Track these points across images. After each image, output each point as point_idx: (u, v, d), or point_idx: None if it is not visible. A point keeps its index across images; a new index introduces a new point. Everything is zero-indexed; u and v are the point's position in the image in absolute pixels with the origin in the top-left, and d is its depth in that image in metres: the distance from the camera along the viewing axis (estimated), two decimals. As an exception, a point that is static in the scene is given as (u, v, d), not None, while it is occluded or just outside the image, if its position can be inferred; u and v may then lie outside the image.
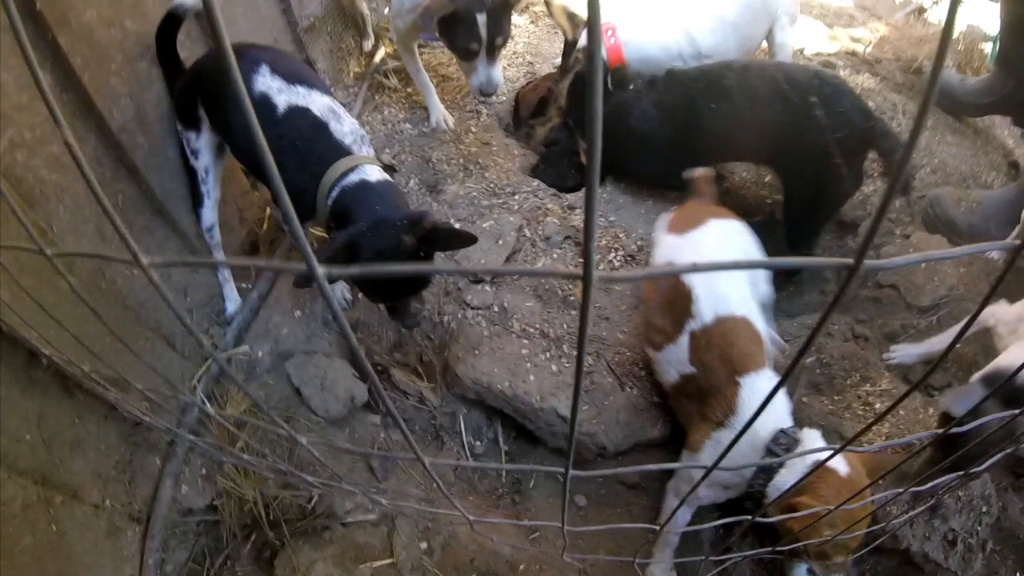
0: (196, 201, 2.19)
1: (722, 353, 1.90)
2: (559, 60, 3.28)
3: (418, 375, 2.37)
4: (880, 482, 1.77)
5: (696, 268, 0.47)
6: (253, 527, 1.89)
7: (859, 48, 3.85)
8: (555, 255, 2.62)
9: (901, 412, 2.14)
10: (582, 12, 2.95)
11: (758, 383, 1.84)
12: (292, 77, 1.94)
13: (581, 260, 0.45)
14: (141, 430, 1.84)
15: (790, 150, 2.59)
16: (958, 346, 2.17)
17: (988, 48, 3.86)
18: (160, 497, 1.82)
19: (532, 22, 4.12)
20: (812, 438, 1.76)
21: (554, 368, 2.27)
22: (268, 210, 2.63)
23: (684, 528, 1.97)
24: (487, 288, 2.48)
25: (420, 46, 3.31)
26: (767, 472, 1.74)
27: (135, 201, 2.02)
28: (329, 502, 1.93)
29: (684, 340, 1.97)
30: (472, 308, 2.41)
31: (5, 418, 1.43)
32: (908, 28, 4.08)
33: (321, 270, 0.51)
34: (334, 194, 1.88)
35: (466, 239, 1.86)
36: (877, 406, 2.17)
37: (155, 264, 0.56)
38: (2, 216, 1.49)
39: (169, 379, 1.94)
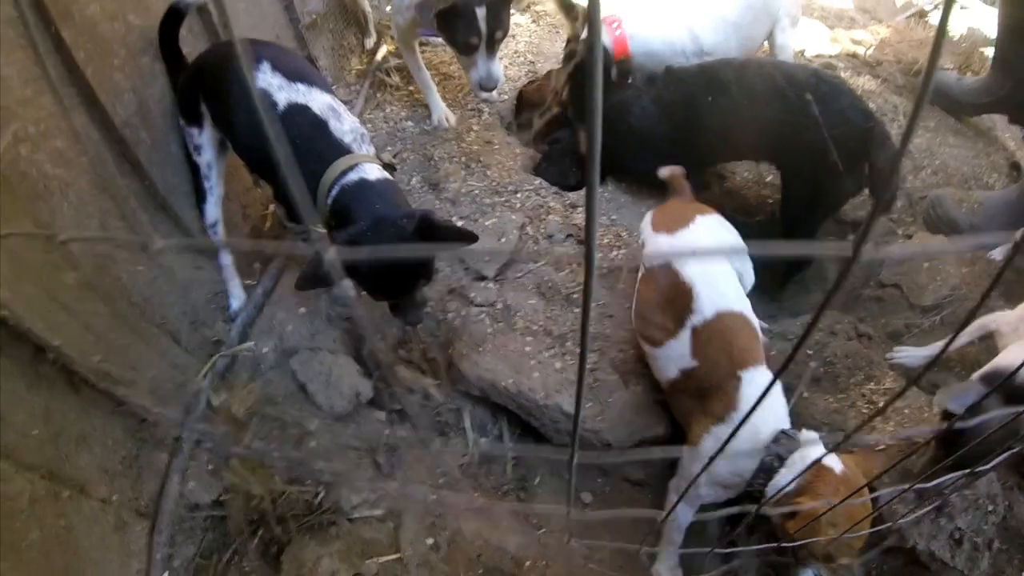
0: (199, 197, 2.19)
1: (723, 348, 1.91)
2: (561, 58, 3.28)
3: (423, 372, 2.37)
4: (886, 479, 1.77)
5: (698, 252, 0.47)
6: (260, 522, 1.88)
7: (860, 50, 3.86)
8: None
9: (905, 411, 2.14)
10: (583, 7, 2.95)
11: (757, 378, 1.85)
12: (293, 74, 1.94)
13: (583, 256, 0.45)
14: (147, 425, 1.84)
15: (788, 147, 2.59)
16: (962, 346, 2.19)
17: (989, 52, 3.87)
18: (167, 492, 1.81)
19: (534, 21, 4.12)
20: (811, 439, 1.76)
21: (558, 365, 2.26)
22: (271, 207, 2.62)
23: (688, 523, 1.98)
24: (490, 285, 2.48)
25: (421, 44, 3.30)
26: (767, 471, 1.74)
27: (138, 196, 2.01)
28: (335, 497, 1.93)
29: (686, 336, 1.98)
30: (476, 305, 2.41)
31: (12, 413, 1.43)
32: (909, 31, 4.09)
33: (330, 254, 0.51)
34: (334, 193, 1.87)
35: (466, 237, 1.86)
36: (881, 405, 2.17)
37: (168, 245, 0.56)
38: (8, 209, 1.48)
39: (176, 373, 1.93)
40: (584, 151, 2.92)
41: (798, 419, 2.11)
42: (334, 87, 2.81)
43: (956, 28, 4.09)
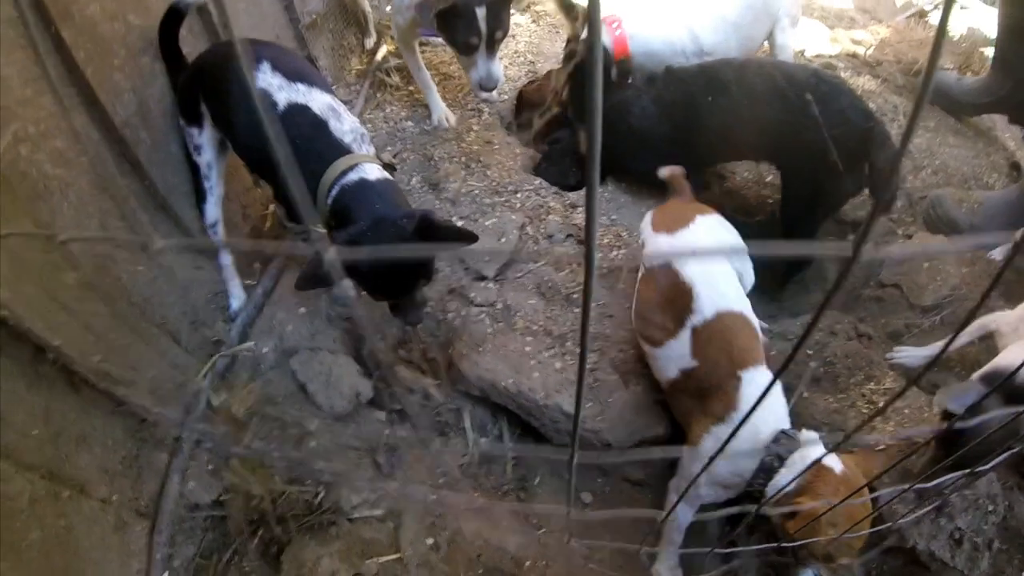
0: (199, 197, 2.19)
1: (723, 348, 1.91)
2: (561, 59, 3.28)
3: (423, 372, 2.37)
4: (885, 479, 1.77)
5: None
6: (260, 522, 1.88)
7: (860, 50, 3.86)
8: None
9: (905, 411, 2.14)
10: (583, 7, 2.95)
11: (757, 378, 1.85)
12: (293, 74, 1.94)
13: (583, 256, 0.45)
14: (147, 425, 1.84)
15: (788, 147, 2.60)
16: (962, 346, 2.19)
17: (989, 52, 3.88)
18: (167, 492, 1.81)
19: (534, 21, 4.12)
20: (811, 439, 1.77)
21: (558, 365, 2.26)
22: (271, 207, 2.62)
23: (688, 523, 1.98)
24: (490, 286, 2.48)
25: (421, 44, 3.30)
26: (767, 471, 1.74)
27: (138, 196, 2.01)
28: (335, 497, 1.93)
29: (686, 336, 1.98)
30: (476, 305, 2.41)
31: (12, 412, 1.43)
32: (909, 31, 4.09)
33: (331, 254, 0.51)
34: (334, 193, 1.87)
35: (466, 237, 1.86)
36: (881, 405, 2.17)
37: (168, 245, 0.56)
38: (8, 209, 1.48)
39: (176, 373, 1.94)
40: (584, 151, 2.92)
41: (798, 419, 2.11)
42: (334, 87, 2.81)
43: (956, 28, 4.09)
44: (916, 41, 3.95)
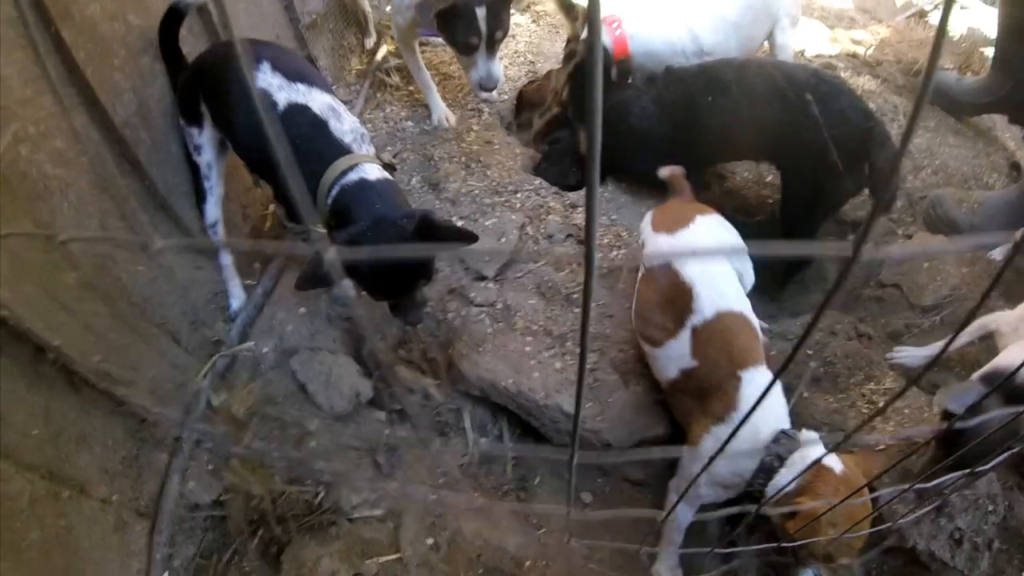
0: (199, 197, 2.19)
1: (723, 348, 1.91)
2: (561, 58, 3.28)
3: (423, 372, 2.37)
4: (885, 479, 1.77)
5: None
6: (260, 522, 1.88)
7: (860, 50, 3.86)
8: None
9: (906, 411, 2.14)
10: (583, 7, 2.95)
11: (757, 378, 1.85)
12: (293, 74, 1.94)
13: (583, 256, 0.45)
14: (147, 425, 1.84)
15: (788, 147, 2.60)
16: (962, 346, 2.19)
17: (989, 52, 3.88)
18: (167, 492, 1.81)
19: (534, 21, 4.12)
20: (811, 439, 1.77)
21: (558, 365, 2.26)
22: (271, 207, 2.62)
23: (688, 523, 1.98)
24: (490, 285, 2.48)
25: (421, 44, 3.30)
26: (767, 471, 1.74)
27: (138, 196, 2.01)
28: (335, 497, 1.93)
29: (685, 336, 1.98)
30: (476, 305, 2.41)
31: (12, 412, 1.43)
32: (909, 31, 4.09)
33: (331, 254, 0.51)
34: (334, 193, 1.87)
35: (466, 237, 1.86)
36: (881, 404, 2.17)
37: (168, 245, 0.56)
38: (8, 209, 1.48)
39: (176, 373, 1.94)
40: (584, 151, 2.92)
41: (798, 419, 2.11)
42: (334, 87, 2.81)
43: (956, 28, 4.09)
44: (916, 41, 3.95)
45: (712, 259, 2.09)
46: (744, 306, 2.03)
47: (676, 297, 2.02)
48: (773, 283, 2.87)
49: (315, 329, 2.29)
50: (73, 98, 1.75)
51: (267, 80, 1.89)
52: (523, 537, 2.09)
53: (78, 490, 1.56)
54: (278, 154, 0.45)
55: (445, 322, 2.42)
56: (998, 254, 2.63)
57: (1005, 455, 1.35)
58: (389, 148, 3.03)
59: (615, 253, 2.65)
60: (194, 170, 2.16)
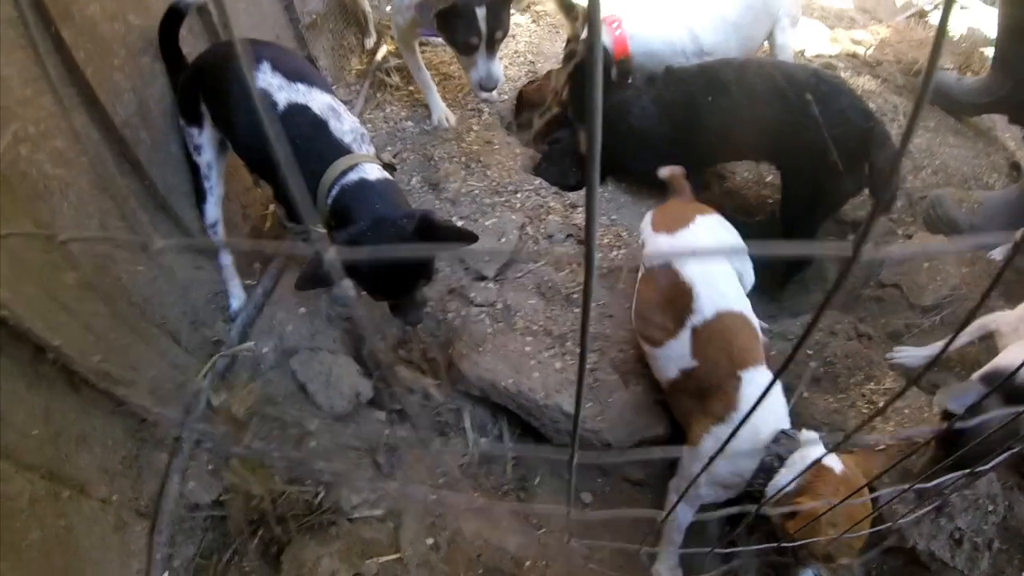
0: (199, 197, 2.19)
1: (723, 348, 1.91)
2: (561, 58, 3.28)
3: (423, 372, 2.37)
4: (885, 479, 1.78)
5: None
6: (260, 522, 1.88)
7: (860, 50, 3.86)
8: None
9: (906, 411, 2.14)
10: (583, 7, 2.95)
11: (757, 378, 1.85)
12: (293, 74, 1.94)
13: (583, 256, 0.45)
14: (147, 425, 1.84)
15: (788, 147, 2.60)
16: (962, 346, 2.19)
17: (989, 52, 3.88)
18: (167, 492, 1.82)
19: (534, 21, 4.12)
20: (811, 439, 1.77)
21: (558, 365, 2.26)
22: (271, 207, 2.63)
23: (688, 523, 1.98)
24: (490, 285, 2.48)
25: (421, 44, 3.30)
26: (767, 472, 1.74)
27: (138, 196, 2.01)
28: (335, 497, 1.93)
29: (686, 336, 1.98)
30: (476, 305, 2.41)
31: (12, 413, 1.43)
32: (909, 31, 4.09)
33: (331, 253, 0.51)
34: (334, 193, 1.87)
35: (466, 237, 1.86)
36: (881, 404, 2.17)
37: (168, 245, 0.56)
38: (8, 209, 1.48)
39: (176, 373, 1.94)
40: (584, 151, 2.92)
41: (798, 419, 2.12)
42: (334, 87, 2.81)
43: (956, 28, 4.09)
44: (916, 41, 3.95)
45: (712, 259, 2.10)
46: (744, 306, 2.03)
47: (676, 297, 2.02)
48: (773, 283, 2.88)
49: (315, 329, 2.29)
50: (73, 98, 1.75)
51: (267, 80, 1.89)
52: (523, 537, 2.09)
53: (78, 490, 1.56)
54: (278, 154, 0.45)
55: (445, 322, 2.42)
56: (998, 254, 2.63)
57: (1005, 455, 1.35)
58: (389, 148, 3.03)
59: (615, 253, 2.65)
60: (194, 170, 2.16)
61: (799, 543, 1.51)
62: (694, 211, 2.25)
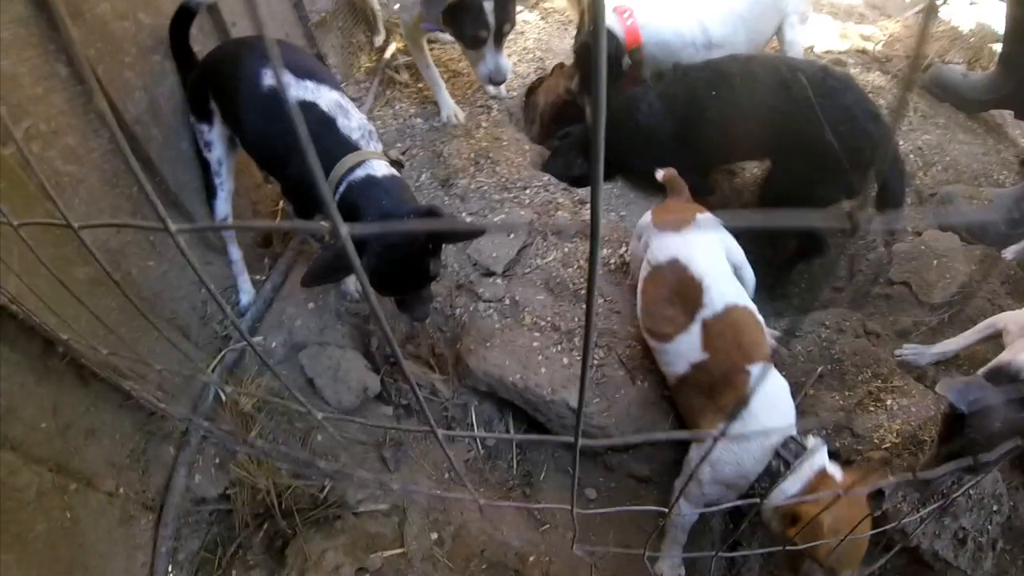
0: (210, 193, 2.21)
1: (733, 340, 1.93)
2: (571, 48, 3.28)
3: (430, 367, 2.38)
4: (890, 477, 1.78)
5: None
6: (265, 516, 1.90)
7: (869, 46, 3.85)
8: (566, 249, 2.62)
9: (912, 409, 2.13)
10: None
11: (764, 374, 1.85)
12: (302, 72, 1.95)
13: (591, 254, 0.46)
14: (155, 419, 1.86)
15: (786, 141, 2.57)
16: (971, 345, 2.19)
17: (998, 47, 3.86)
18: (173, 486, 1.84)
19: (543, 18, 4.12)
20: (816, 446, 1.77)
21: (565, 361, 2.27)
22: (280, 203, 2.64)
23: (693, 522, 1.99)
24: (499, 281, 2.49)
25: (430, 42, 3.31)
26: (773, 476, 1.75)
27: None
28: (341, 492, 1.94)
29: (696, 329, 1.99)
30: (484, 301, 2.42)
31: (21, 406, 1.45)
32: (918, 26, 4.06)
33: (345, 230, 0.52)
34: (341, 189, 1.88)
35: (472, 230, 1.87)
36: (888, 402, 2.17)
37: (182, 230, 0.58)
38: (20, 205, 1.50)
39: (184, 368, 1.95)
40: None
41: (805, 416, 2.12)
42: (344, 85, 2.82)
43: (965, 23, 4.06)
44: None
45: (718, 255, 2.12)
46: (747, 300, 2.06)
47: (685, 291, 2.04)
48: (779, 275, 2.87)
49: (324, 324, 2.31)
50: (84, 96, 1.77)
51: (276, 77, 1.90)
52: (527, 532, 2.10)
53: (85, 483, 1.58)
54: (305, 151, 0.46)
55: (453, 317, 2.43)
56: (1010, 253, 2.63)
57: (1007, 452, 1.35)
58: (399, 145, 3.04)
59: (623, 249, 2.65)
60: (204, 167, 2.17)
61: (800, 547, 1.51)
62: (694, 210, 2.28)
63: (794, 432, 1.81)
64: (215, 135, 2.12)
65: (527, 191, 2.82)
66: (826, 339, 2.42)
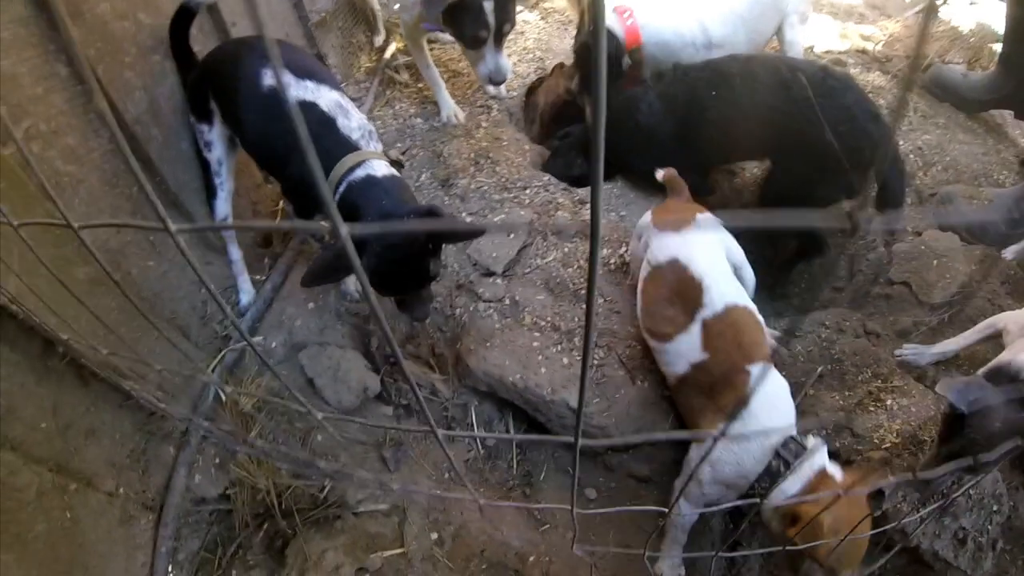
0: (210, 193, 2.21)
1: (733, 339, 1.93)
2: (571, 48, 3.28)
3: (430, 367, 2.38)
4: (890, 477, 1.78)
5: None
6: (265, 516, 1.90)
7: (869, 46, 3.85)
8: (566, 248, 2.62)
9: (912, 409, 2.13)
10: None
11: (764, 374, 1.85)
12: (301, 72, 1.95)
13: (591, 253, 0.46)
14: (155, 419, 1.86)
15: (786, 141, 2.57)
16: (971, 345, 2.19)
17: (998, 47, 3.86)
18: (173, 486, 1.84)
19: (543, 18, 4.12)
20: (816, 446, 1.77)
21: (565, 361, 2.27)
22: (280, 203, 2.64)
23: (693, 523, 1.99)
24: (499, 281, 2.49)
25: (430, 42, 3.31)
26: (773, 476, 1.75)
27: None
28: (341, 492, 1.94)
29: (696, 329, 1.99)
30: (484, 301, 2.42)
31: (21, 406, 1.45)
32: (919, 26, 4.06)
33: (345, 229, 0.52)
34: (341, 189, 1.88)
35: (472, 230, 1.87)
36: (888, 402, 2.17)
37: (182, 229, 0.58)
38: (20, 205, 1.50)
39: (184, 368, 1.95)
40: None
41: (805, 416, 2.12)
42: (344, 85, 2.82)
43: (966, 23, 4.07)
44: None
45: (718, 255, 2.12)
46: (748, 301, 2.06)
47: (685, 291, 2.04)
48: (779, 275, 2.87)
49: (324, 324, 2.31)
50: (84, 96, 1.77)
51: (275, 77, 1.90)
52: (527, 532, 2.10)
53: (85, 483, 1.58)
54: (307, 155, 0.46)
55: (453, 317, 2.43)
56: (1010, 253, 2.63)
57: (1007, 452, 1.35)
58: (399, 145, 3.04)
59: (623, 249, 2.65)
60: (204, 167, 2.17)
61: (800, 547, 1.51)
62: (694, 210, 2.28)
63: (794, 432, 1.81)
64: (215, 135, 2.12)
65: (527, 191, 2.82)
66: (826, 339, 2.42)
